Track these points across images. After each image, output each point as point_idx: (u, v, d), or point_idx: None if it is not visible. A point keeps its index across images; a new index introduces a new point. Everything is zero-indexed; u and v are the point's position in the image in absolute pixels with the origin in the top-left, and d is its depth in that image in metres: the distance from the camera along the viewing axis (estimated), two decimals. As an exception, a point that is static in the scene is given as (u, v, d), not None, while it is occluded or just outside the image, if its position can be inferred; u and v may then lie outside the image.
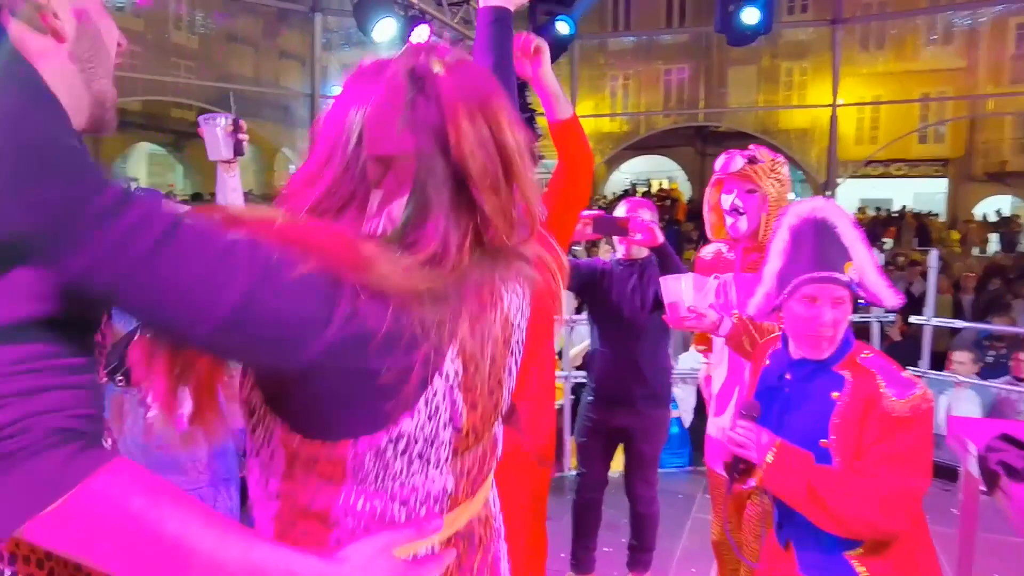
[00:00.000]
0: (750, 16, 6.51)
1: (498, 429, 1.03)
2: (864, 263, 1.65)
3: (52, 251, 0.65)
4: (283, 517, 0.89)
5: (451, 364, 0.84)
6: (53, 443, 0.70)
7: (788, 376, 1.74)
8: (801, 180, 17.63)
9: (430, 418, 0.84)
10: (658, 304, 3.10)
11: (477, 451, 0.94)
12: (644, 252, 3.08)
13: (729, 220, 2.45)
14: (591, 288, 3.21)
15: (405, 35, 6.16)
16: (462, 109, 0.83)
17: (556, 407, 5.03)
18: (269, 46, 20.77)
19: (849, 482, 1.54)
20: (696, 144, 21.94)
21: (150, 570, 0.71)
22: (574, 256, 3.38)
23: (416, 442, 0.85)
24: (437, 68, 0.86)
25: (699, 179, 21.53)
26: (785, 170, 2.43)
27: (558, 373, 4.82)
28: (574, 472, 3.64)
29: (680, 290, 2.17)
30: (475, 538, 0.99)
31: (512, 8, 1.51)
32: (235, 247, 0.70)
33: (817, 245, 1.66)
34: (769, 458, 1.62)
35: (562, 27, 7.52)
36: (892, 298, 1.65)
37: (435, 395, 0.83)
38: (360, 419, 0.82)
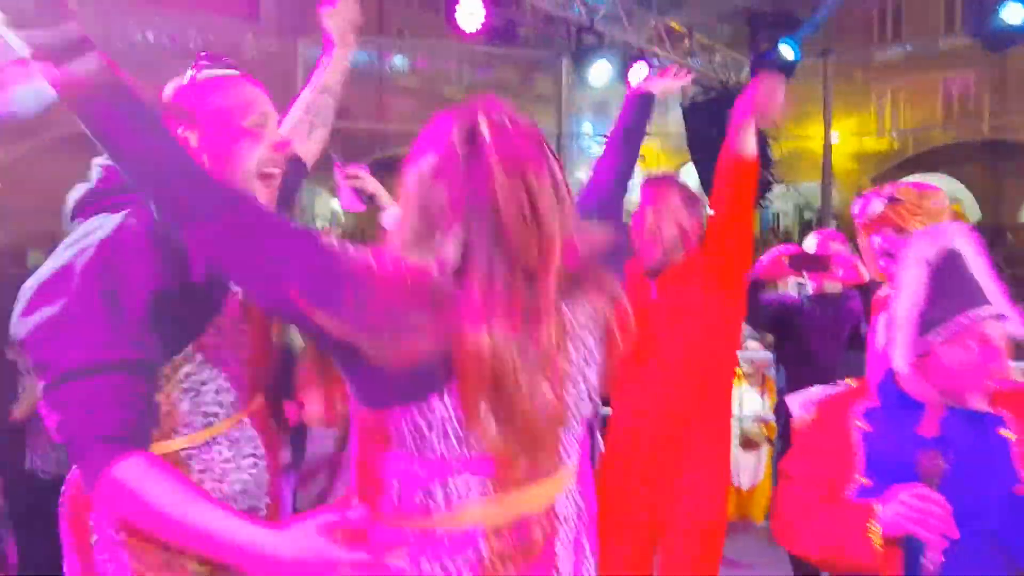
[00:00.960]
0: (1013, 14, 5.78)
1: (571, 432, 1.15)
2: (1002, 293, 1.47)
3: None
4: (359, 482, 1.13)
5: (466, 364, 1.01)
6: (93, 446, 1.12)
7: (942, 434, 1.50)
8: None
9: (446, 405, 1.03)
10: (854, 342, 2.88)
11: (517, 446, 1.06)
12: (838, 287, 2.91)
13: (882, 263, 2.32)
14: (780, 325, 3.06)
15: (623, 75, 6.44)
16: (499, 167, 1.03)
17: (760, 452, 4.83)
18: (526, 92, 22.29)
19: None
20: (985, 160, 19.28)
21: (162, 529, 1.12)
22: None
23: (449, 420, 1.03)
24: (485, 131, 1.05)
25: (989, 199, 18.89)
26: (936, 202, 2.20)
27: (766, 415, 4.67)
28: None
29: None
30: (529, 537, 1.10)
31: (659, 93, 1.74)
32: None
33: (969, 277, 1.47)
34: None
35: (786, 51, 7.26)
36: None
37: (453, 384, 1.02)
38: (393, 392, 1.04)
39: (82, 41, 1.01)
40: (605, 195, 1.49)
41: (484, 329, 1.01)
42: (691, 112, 8.30)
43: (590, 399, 1.17)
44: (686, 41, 8.09)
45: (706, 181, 8.54)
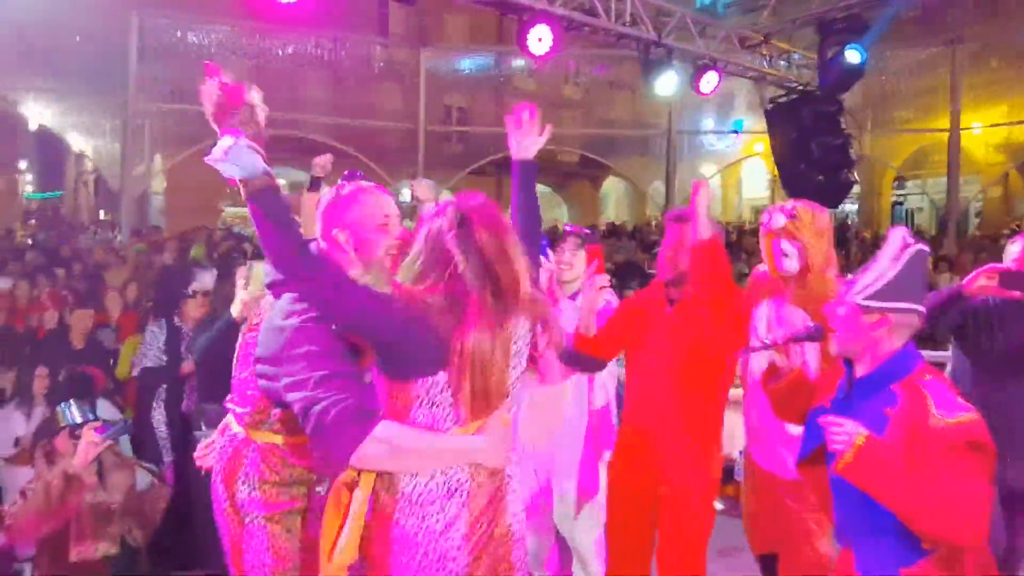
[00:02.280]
0: None
1: (508, 400, 1.76)
2: (876, 273, 1.82)
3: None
4: None
5: (458, 354, 1.64)
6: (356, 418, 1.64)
7: (851, 390, 1.90)
8: None
9: (447, 377, 1.66)
10: None
11: (483, 405, 1.69)
12: None
13: (782, 262, 2.67)
14: (966, 327, 2.88)
15: (694, 84, 6.68)
16: (484, 231, 1.68)
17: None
18: (642, 89, 22.09)
19: (929, 482, 1.63)
20: None
21: (412, 461, 1.66)
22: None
23: (446, 389, 1.66)
24: (470, 213, 1.70)
25: None
26: (823, 222, 2.63)
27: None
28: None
29: None
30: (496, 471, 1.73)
31: (533, 156, 2.14)
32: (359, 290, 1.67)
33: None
34: (859, 440, 1.68)
35: (852, 56, 7.21)
36: (853, 299, 1.81)
37: (451, 366, 1.65)
38: (414, 370, 1.66)
39: (265, 172, 1.62)
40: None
41: (474, 332, 1.63)
42: (772, 114, 8.38)
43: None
44: (763, 47, 8.17)
45: (787, 179, 8.59)
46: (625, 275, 9.91)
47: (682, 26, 7.17)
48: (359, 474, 1.68)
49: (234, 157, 1.56)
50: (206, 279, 4.26)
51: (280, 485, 2.07)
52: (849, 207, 24.94)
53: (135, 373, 4.55)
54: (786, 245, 2.66)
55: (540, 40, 5.88)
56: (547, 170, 23.00)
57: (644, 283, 8.48)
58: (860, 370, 1.88)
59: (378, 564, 1.68)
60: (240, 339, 2.25)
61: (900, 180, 20.27)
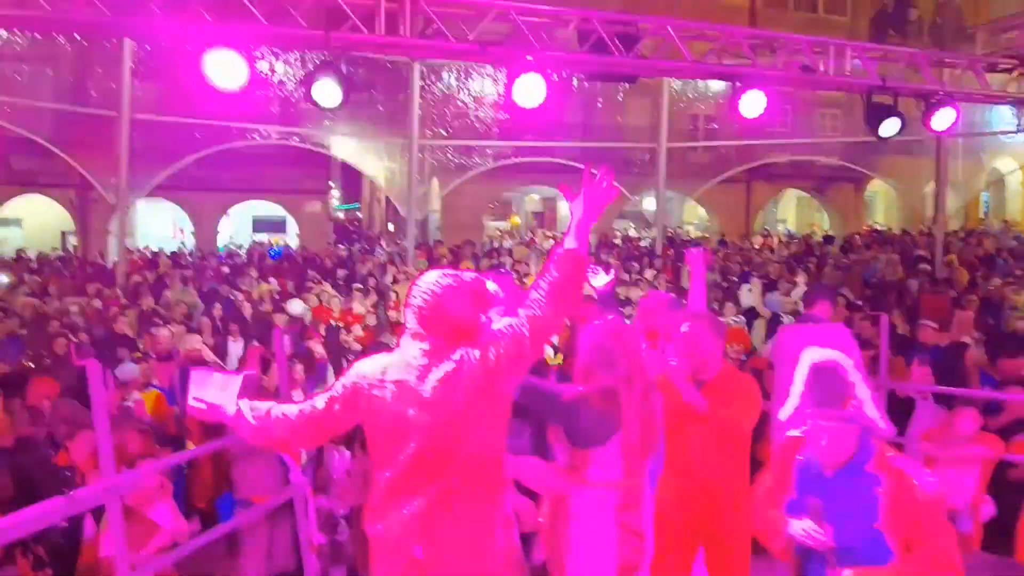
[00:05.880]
0: None
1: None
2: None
3: None
4: None
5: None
6: None
7: (829, 475, 2.28)
8: None
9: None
10: None
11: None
12: None
13: None
14: None
15: (924, 121, 6.41)
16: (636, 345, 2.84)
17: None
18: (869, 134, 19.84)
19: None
20: None
21: None
22: None
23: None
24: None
25: None
26: (435, 287, 2.38)
27: None
28: None
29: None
30: None
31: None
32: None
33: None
34: None
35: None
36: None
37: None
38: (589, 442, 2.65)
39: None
40: None
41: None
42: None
43: None
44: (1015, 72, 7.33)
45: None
46: (877, 301, 9.29)
47: (910, 63, 6.89)
48: None
49: None
50: None
51: None
52: None
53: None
54: None
55: (752, 103, 6.09)
56: (803, 176, 21.98)
57: (897, 306, 7.89)
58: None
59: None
60: None
61: None
